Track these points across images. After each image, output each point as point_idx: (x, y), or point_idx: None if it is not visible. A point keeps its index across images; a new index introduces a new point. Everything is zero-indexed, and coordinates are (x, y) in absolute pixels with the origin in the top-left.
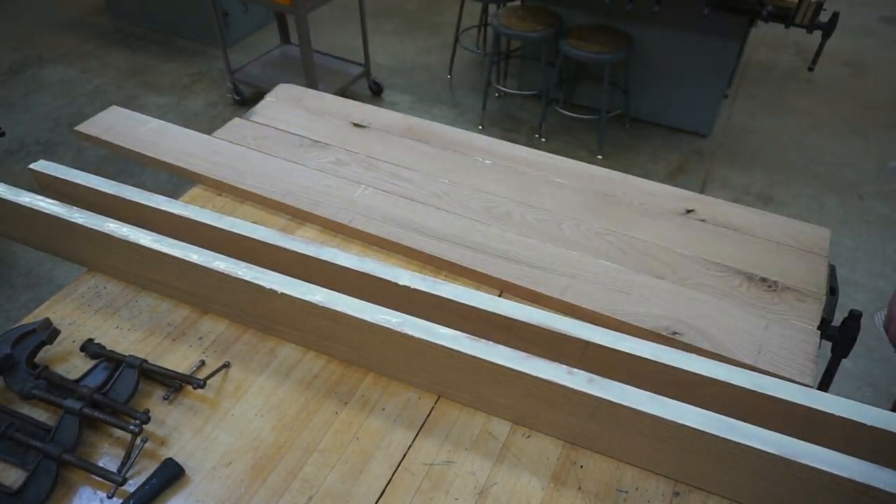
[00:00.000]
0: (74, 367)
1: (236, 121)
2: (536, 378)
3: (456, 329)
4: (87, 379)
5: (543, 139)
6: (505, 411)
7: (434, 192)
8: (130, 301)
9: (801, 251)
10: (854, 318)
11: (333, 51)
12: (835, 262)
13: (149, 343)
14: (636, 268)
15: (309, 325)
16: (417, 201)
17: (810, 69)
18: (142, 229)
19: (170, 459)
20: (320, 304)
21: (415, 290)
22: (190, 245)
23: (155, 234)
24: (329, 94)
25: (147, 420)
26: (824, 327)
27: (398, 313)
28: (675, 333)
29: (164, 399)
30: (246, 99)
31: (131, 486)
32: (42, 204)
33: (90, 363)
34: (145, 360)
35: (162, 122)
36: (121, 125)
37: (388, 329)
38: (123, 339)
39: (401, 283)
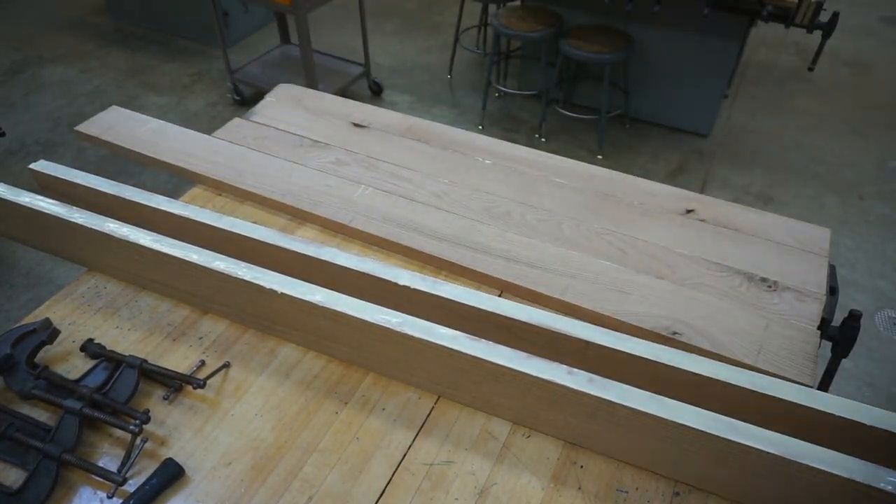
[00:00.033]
0: (74, 367)
1: (236, 121)
2: (536, 378)
3: (456, 329)
4: (87, 379)
5: (543, 139)
6: (505, 411)
7: (434, 192)
8: (130, 301)
9: (801, 251)
10: (854, 318)
11: (333, 51)
12: (835, 262)
13: (149, 343)
14: (636, 268)
15: (309, 325)
16: (417, 201)
17: (810, 69)
18: (142, 229)
19: (170, 459)
20: (320, 304)
21: (415, 290)
22: (190, 245)
23: (155, 234)
24: (329, 94)
25: (147, 420)
26: (824, 327)
27: (398, 313)
28: (675, 333)
29: (164, 399)
30: (246, 99)
31: (131, 486)
32: (42, 204)
33: (90, 363)
34: (145, 360)
35: (162, 122)
36: (121, 125)
37: (388, 329)
38: (123, 339)
39: (401, 283)
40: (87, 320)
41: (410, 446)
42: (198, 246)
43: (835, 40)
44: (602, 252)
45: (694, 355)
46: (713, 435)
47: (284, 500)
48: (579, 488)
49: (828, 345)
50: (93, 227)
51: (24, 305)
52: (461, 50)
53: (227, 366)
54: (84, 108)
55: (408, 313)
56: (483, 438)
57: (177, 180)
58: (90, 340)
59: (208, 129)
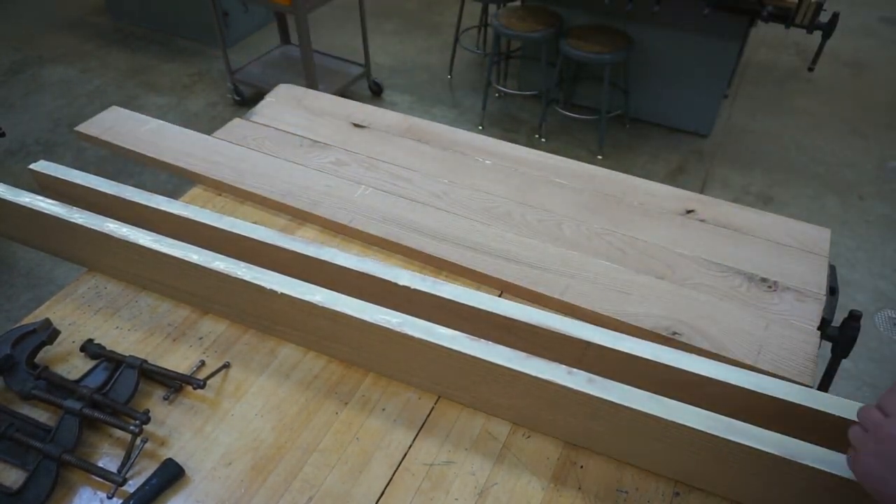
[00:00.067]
0: (74, 367)
1: (236, 121)
2: (536, 378)
3: (456, 329)
4: (87, 379)
5: (543, 139)
6: (505, 411)
7: (434, 193)
8: (130, 301)
9: (801, 251)
10: (854, 318)
11: (333, 51)
12: (835, 262)
13: (149, 343)
14: (636, 268)
15: (309, 326)
16: (417, 201)
17: (810, 69)
18: (142, 229)
19: (170, 460)
20: (320, 305)
21: (415, 290)
22: (190, 245)
23: (155, 234)
24: (329, 95)
25: (147, 420)
26: (824, 327)
27: (398, 313)
28: (674, 333)
29: (164, 399)
30: (246, 99)
31: (131, 487)
32: (42, 204)
33: (90, 363)
34: (145, 361)
35: (162, 122)
36: (121, 125)
37: (388, 329)
38: (123, 340)
39: (401, 283)
40: (87, 320)
41: (410, 446)
42: (198, 246)
43: (835, 40)
44: (602, 252)
45: (694, 355)
46: (713, 435)
47: (284, 500)
48: (579, 488)
49: (828, 345)
50: (93, 227)
51: (24, 305)
52: (461, 50)
53: (227, 366)
54: (84, 109)
55: (408, 313)
56: (483, 439)
57: (177, 180)
58: (90, 341)
59: (208, 129)
